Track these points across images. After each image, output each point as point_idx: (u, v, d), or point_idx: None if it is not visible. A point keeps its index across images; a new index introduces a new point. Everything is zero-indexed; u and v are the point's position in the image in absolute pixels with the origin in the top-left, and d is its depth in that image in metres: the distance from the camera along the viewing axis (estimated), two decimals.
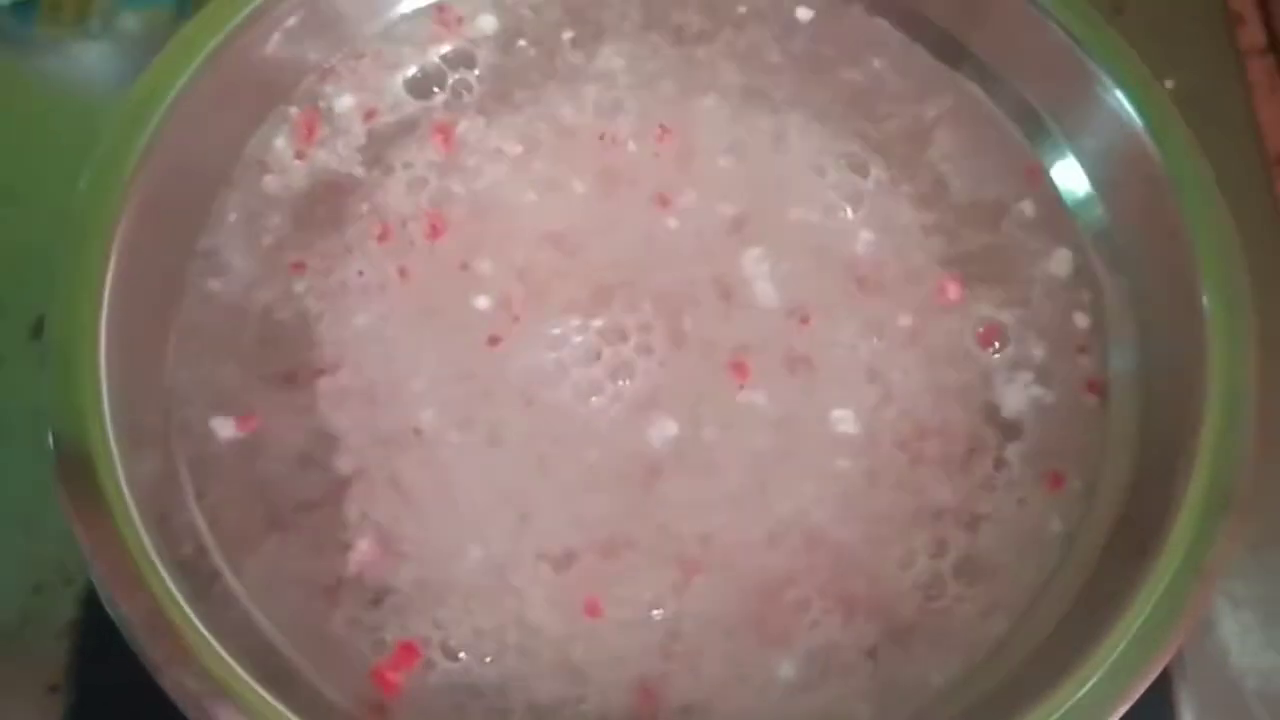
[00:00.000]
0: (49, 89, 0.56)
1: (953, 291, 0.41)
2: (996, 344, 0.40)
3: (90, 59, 0.57)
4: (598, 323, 0.40)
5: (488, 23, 0.44)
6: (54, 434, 0.35)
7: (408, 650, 0.36)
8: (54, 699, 0.44)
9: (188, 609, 0.33)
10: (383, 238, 0.41)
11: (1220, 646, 0.45)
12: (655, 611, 0.36)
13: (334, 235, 0.41)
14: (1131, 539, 0.35)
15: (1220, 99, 0.52)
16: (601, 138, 0.43)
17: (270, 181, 0.42)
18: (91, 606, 0.46)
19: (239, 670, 0.32)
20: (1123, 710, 0.31)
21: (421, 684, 0.36)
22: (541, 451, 0.38)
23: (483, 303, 0.40)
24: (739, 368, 0.39)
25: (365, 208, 0.42)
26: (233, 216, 0.41)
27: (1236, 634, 0.45)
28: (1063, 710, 0.31)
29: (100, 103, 0.56)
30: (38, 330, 0.51)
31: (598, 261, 0.41)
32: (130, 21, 0.58)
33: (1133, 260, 0.39)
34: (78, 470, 0.34)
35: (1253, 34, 0.56)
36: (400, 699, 0.35)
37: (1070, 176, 0.41)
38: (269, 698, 0.32)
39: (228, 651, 0.32)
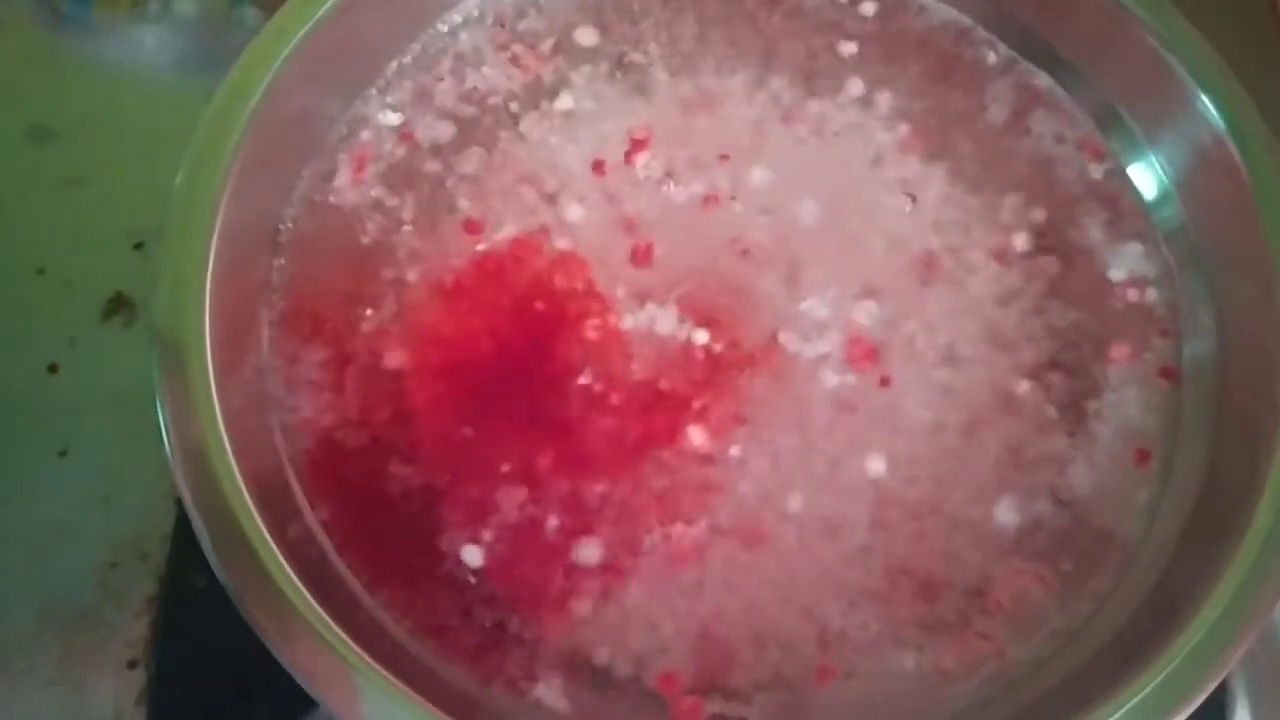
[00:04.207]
0: (109, 73, 0.56)
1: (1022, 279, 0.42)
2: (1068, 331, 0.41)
3: (149, 43, 0.58)
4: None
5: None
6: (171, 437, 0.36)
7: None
8: (133, 674, 0.45)
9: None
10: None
11: (1274, 626, 0.47)
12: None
13: None
14: (1213, 517, 0.36)
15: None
16: None
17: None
18: (169, 583, 0.46)
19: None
20: (1215, 682, 0.33)
21: None
22: None
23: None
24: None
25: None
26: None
27: None
28: (1155, 683, 0.33)
29: (160, 87, 0.56)
30: (108, 312, 0.51)
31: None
32: (187, 6, 0.58)
33: (1208, 256, 0.40)
34: (201, 476, 0.35)
35: None
36: None
37: (1146, 173, 0.42)
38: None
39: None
